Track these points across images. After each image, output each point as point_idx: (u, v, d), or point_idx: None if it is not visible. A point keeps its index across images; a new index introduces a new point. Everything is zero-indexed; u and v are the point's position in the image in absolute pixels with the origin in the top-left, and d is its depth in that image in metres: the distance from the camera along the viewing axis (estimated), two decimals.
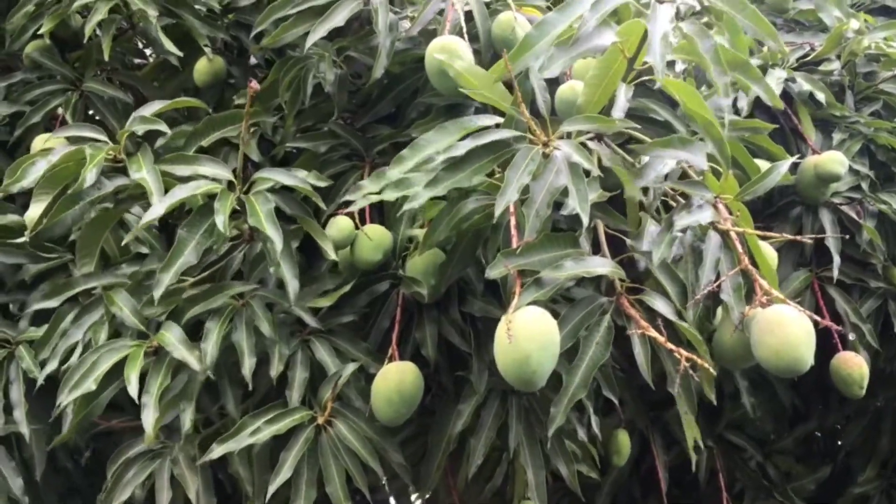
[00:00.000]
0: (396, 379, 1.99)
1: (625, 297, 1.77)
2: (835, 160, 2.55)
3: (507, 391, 2.17)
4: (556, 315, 1.68)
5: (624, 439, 2.63)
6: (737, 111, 2.66)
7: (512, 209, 1.75)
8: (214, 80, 2.74)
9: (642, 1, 1.73)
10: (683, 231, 1.81)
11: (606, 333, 1.72)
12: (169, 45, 2.59)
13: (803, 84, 2.71)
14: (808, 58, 2.90)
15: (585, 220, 1.58)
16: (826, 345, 2.60)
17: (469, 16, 2.19)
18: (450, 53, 1.94)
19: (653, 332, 1.64)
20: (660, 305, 1.76)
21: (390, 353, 2.08)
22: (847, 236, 2.69)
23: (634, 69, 1.87)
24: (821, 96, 2.68)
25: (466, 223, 1.89)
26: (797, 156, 2.06)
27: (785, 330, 1.62)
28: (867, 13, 3.44)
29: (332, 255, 2.06)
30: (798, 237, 2.50)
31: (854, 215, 2.66)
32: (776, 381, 2.88)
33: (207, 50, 2.69)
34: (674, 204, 1.91)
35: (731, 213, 1.91)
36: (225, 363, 2.07)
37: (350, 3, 2.21)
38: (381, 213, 2.33)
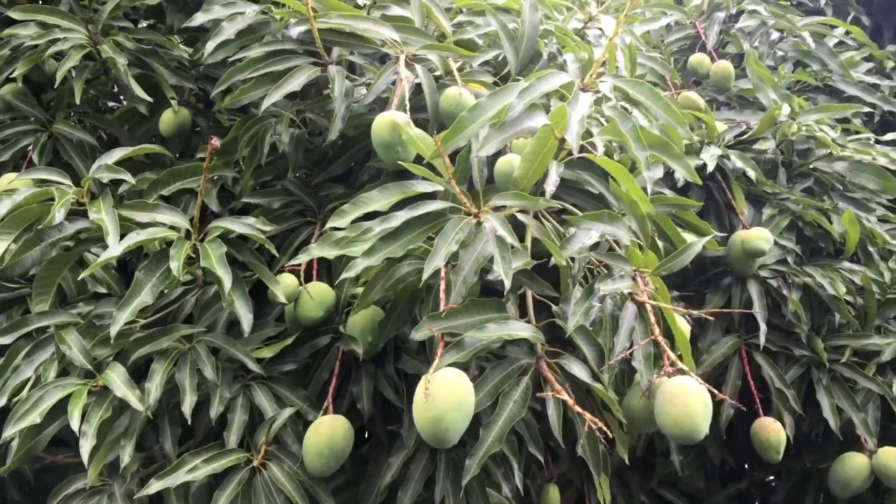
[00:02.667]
0: (328, 433, 2.09)
1: (544, 360, 1.90)
2: (760, 237, 2.72)
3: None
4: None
5: (554, 494, 2.73)
6: (673, 184, 2.83)
7: (443, 274, 1.88)
8: (179, 130, 2.86)
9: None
10: (602, 300, 1.94)
11: (524, 393, 1.84)
12: (139, 91, 2.71)
13: (736, 161, 2.88)
14: (745, 136, 3.07)
15: (508, 284, 1.71)
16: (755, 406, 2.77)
17: (419, 88, 2.35)
18: (397, 127, 2.08)
19: (563, 395, 1.76)
20: (576, 369, 1.88)
21: (325, 405, 2.19)
22: (773, 306, 2.86)
23: (566, 147, 2.02)
24: (752, 174, 2.85)
25: (401, 285, 2.02)
26: (712, 236, 2.19)
27: (685, 401, 1.75)
28: (812, 92, 3.68)
29: (282, 299, 2.18)
30: (725, 310, 2.73)
31: (780, 288, 2.81)
32: (706, 440, 2.99)
33: (173, 102, 2.81)
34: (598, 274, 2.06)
35: (649, 285, 2.06)
36: (167, 405, 2.17)
37: (307, 70, 2.36)
38: (329, 269, 2.46)
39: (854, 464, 2.76)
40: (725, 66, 3.29)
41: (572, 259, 2.06)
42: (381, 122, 2.11)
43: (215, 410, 2.11)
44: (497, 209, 1.92)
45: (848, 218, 2.91)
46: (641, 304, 1.98)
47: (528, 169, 2.00)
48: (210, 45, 2.45)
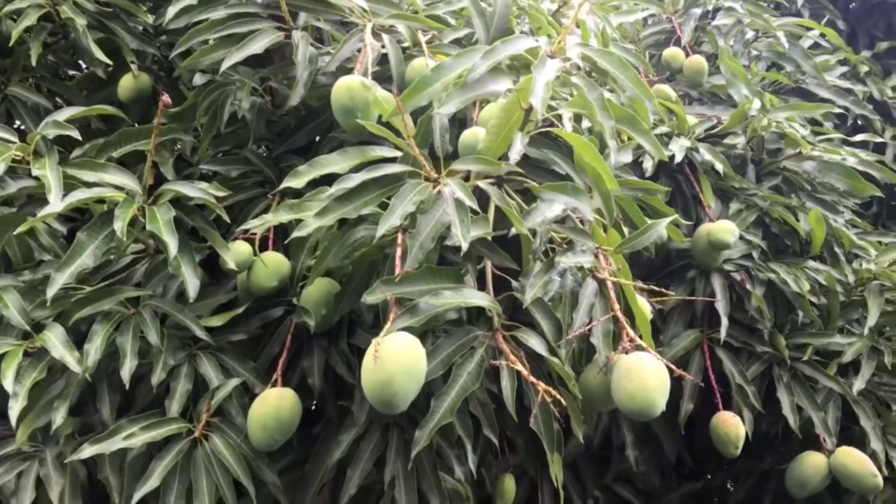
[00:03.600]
0: (274, 405, 2.02)
1: (500, 333, 1.85)
2: (725, 229, 2.68)
3: (389, 423, 2.21)
4: None
5: (509, 484, 2.67)
6: (641, 174, 2.79)
7: (399, 240, 1.82)
8: (139, 96, 2.77)
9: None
10: (562, 273, 1.89)
11: (478, 365, 1.78)
12: (97, 53, 2.63)
13: (705, 154, 2.84)
14: (715, 130, 3.05)
15: (465, 247, 1.65)
16: (714, 404, 2.72)
17: (385, 58, 2.29)
18: (357, 90, 2.02)
19: (518, 366, 1.71)
20: (533, 342, 1.83)
21: (274, 378, 2.11)
22: (737, 302, 2.83)
23: (533, 120, 1.97)
24: (720, 167, 2.81)
25: (357, 253, 1.95)
26: (674, 217, 2.14)
27: (641, 376, 1.70)
28: (785, 94, 3.66)
29: (232, 266, 2.11)
30: (688, 297, 2.69)
31: (743, 282, 2.78)
32: (663, 436, 2.97)
33: (133, 66, 2.73)
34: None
35: (611, 265, 2.01)
36: (107, 370, 2.08)
37: (270, 34, 2.29)
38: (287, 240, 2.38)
39: (812, 463, 2.73)
40: (699, 60, 3.27)
41: (534, 232, 2.02)
42: (341, 86, 2.05)
43: (157, 377, 2.03)
44: (457, 174, 1.86)
45: (814, 216, 2.89)
46: (602, 280, 1.93)
47: (494, 141, 1.95)
48: (172, 10, 2.37)
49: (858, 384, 2.79)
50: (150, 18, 2.84)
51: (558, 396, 1.63)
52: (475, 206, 1.73)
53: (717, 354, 2.81)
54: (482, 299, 1.80)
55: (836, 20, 4.32)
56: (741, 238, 2.86)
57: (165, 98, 1.99)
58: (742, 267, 2.83)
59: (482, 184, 1.87)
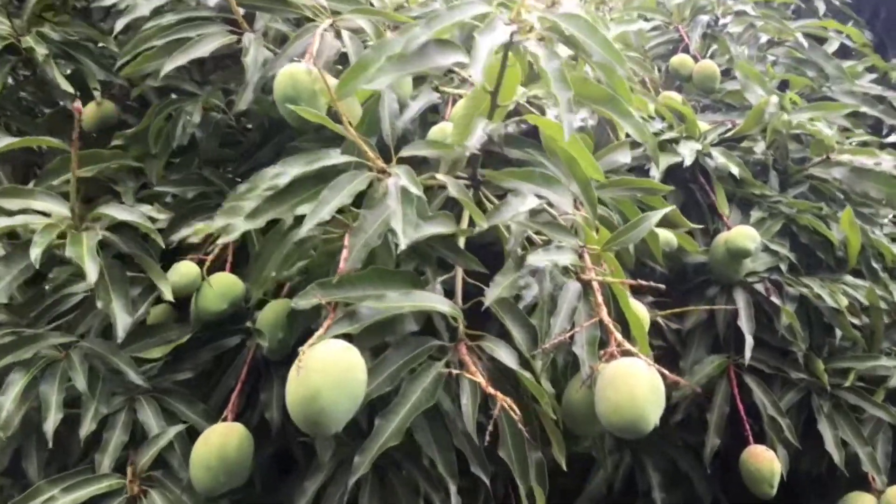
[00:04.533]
0: (218, 442, 1.73)
1: (464, 343, 1.57)
2: (745, 235, 2.39)
3: None
4: None
5: None
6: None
7: (346, 241, 1.57)
8: (103, 124, 2.59)
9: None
10: (538, 275, 1.61)
11: (436, 380, 1.50)
12: (63, 84, 2.47)
13: (719, 158, 2.56)
14: (729, 134, 2.77)
15: (403, 243, 1.40)
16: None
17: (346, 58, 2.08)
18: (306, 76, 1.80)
19: (477, 377, 1.42)
20: (501, 353, 1.54)
21: (224, 415, 1.85)
22: (766, 322, 2.51)
23: (502, 105, 1.74)
24: (736, 171, 2.53)
25: (302, 260, 1.70)
26: (672, 208, 1.87)
27: (629, 383, 1.41)
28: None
29: (168, 297, 1.87)
30: (705, 307, 2.38)
31: (771, 297, 2.45)
32: (694, 476, 2.61)
33: (97, 94, 2.57)
34: None
35: (603, 267, 1.74)
36: (32, 421, 1.83)
37: (220, 38, 2.10)
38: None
39: None
40: (709, 65, 3.01)
41: (508, 230, 1.76)
42: (284, 74, 1.83)
43: (86, 428, 1.76)
44: (406, 161, 1.62)
45: (847, 219, 2.57)
46: (587, 282, 1.66)
47: (462, 134, 1.71)
48: (121, 23, 2.21)
49: None
50: (116, 48, 2.70)
51: (514, 410, 1.33)
52: (422, 196, 1.48)
53: (745, 382, 2.48)
54: (440, 304, 1.53)
55: (862, 29, 4.03)
56: (766, 250, 2.55)
57: (77, 105, 1.79)
58: (769, 281, 2.51)
59: (440, 175, 1.63)
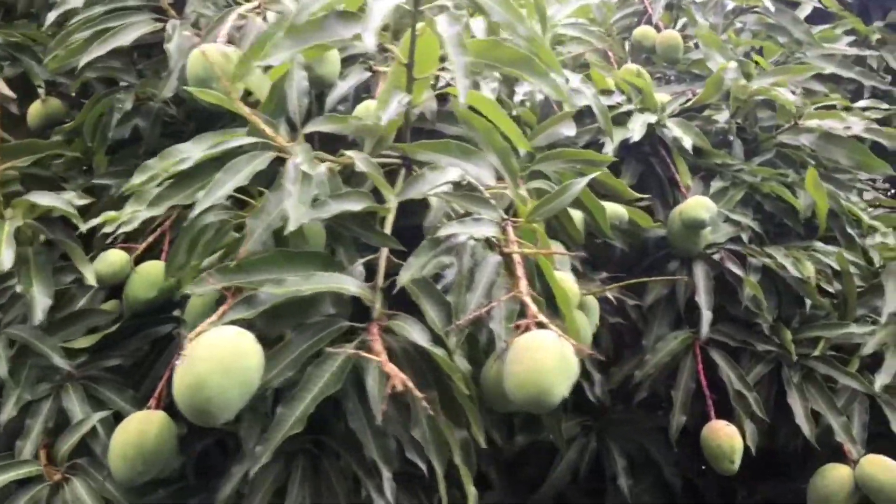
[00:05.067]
0: (137, 430, 1.68)
1: (377, 324, 1.51)
2: (699, 205, 2.31)
3: (296, 451, 1.86)
4: None
5: None
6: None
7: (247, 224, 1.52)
8: (49, 122, 2.57)
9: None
10: (457, 251, 1.55)
11: (344, 364, 1.44)
12: (3, 88, 2.45)
13: (674, 129, 2.48)
14: (689, 104, 2.69)
15: (292, 224, 1.35)
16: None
17: None
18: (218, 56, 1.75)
19: (378, 358, 1.37)
20: (413, 331, 1.49)
21: (149, 403, 1.80)
22: (730, 294, 2.43)
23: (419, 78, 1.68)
24: (688, 142, 2.44)
25: (213, 244, 1.65)
26: (600, 172, 1.80)
27: (534, 356, 1.34)
28: None
29: (92, 282, 1.84)
30: (657, 279, 2.31)
31: (731, 267, 2.37)
32: (662, 460, 2.53)
33: (41, 91, 2.54)
34: None
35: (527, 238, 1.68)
36: None
37: (144, 26, 2.06)
38: None
39: (835, 477, 2.27)
40: (671, 35, 2.93)
41: (427, 206, 1.71)
42: (195, 55, 1.79)
43: (6, 415, 1.75)
44: (326, 139, 1.57)
45: (812, 182, 2.47)
46: (509, 255, 1.60)
47: (380, 110, 1.65)
48: (52, 15, 2.18)
49: (882, 379, 2.33)
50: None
51: (410, 387, 1.27)
52: (314, 173, 1.43)
53: (712, 357, 2.40)
54: (348, 285, 1.48)
55: None
56: (728, 220, 2.48)
57: None
58: (730, 251, 2.43)
59: (350, 152, 1.57)
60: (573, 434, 2.51)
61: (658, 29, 3.02)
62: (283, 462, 1.83)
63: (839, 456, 2.34)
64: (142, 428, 1.68)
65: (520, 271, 1.54)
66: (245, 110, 1.48)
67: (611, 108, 2.58)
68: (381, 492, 1.75)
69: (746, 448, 2.25)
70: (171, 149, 1.60)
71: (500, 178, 1.65)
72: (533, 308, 1.46)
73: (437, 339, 1.49)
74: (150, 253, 2.03)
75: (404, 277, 1.48)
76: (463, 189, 1.70)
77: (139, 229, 2.04)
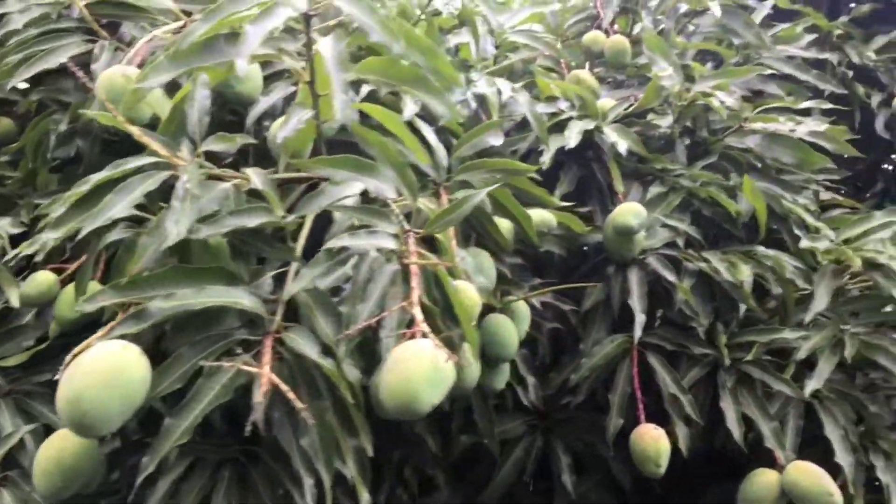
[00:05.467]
0: (57, 447, 1.71)
1: (271, 336, 1.56)
2: (628, 212, 2.34)
3: (223, 460, 1.91)
4: None
5: None
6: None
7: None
8: (2, 140, 2.64)
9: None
10: (343, 261, 1.60)
11: (234, 377, 1.49)
12: None
13: (610, 136, 2.51)
14: (630, 110, 2.72)
15: (170, 241, 1.40)
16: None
17: None
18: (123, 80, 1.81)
19: (260, 370, 1.41)
20: (302, 343, 1.53)
21: None
22: (667, 298, 2.46)
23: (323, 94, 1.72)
24: (623, 147, 2.46)
25: (123, 261, 1.71)
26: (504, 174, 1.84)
27: (405, 365, 1.39)
28: None
29: (15, 303, 1.91)
30: (563, 286, 2.34)
31: (664, 273, 2.40)
32: (610, 459, 2.55)
33: None
34: None
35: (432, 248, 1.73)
36: None
37: (75, 48, 2.11)
38: None
39: (763, 482, 2.29)
40: (619, 40, 2.95)
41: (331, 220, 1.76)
42: (102, 78, 1.84)
43: None
44: (245, 153, 1.62)
45: (748, 189, 2.50)
46: (406, 266, 1.64)
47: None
48: None
49: (813, 384, 2.36)
50: None
51: (291, 397, 1.32)
52: (196, 191, 1.48)
53: (649, 361, 2.43)
54: (242, 298, 1.53)
55: None
56: (664, 225, 2.51)
57: None
58: (664, 256, 2.46)
59: (247, 169, 1.62)
60: (520, 433, 2.55)
61: (608, 34, 3.05)
62: (209, 472, 1.88)
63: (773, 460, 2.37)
64: (61, 444, 1.72)
65: (414, 282, 1.58)
66: (135, 131, 1.53)
67: (553, 115, 2.64)
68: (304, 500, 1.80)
69: (704, 448, 2.28)
70: (92, 176, 1.64)
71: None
72: (419, 318, 1.50)
73: (329, 350, 1.53)
74: None
75: (293, 289, 1.53)
76: (372, 202, 1.75)
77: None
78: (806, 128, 2.71)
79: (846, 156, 2.96)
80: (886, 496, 2.42)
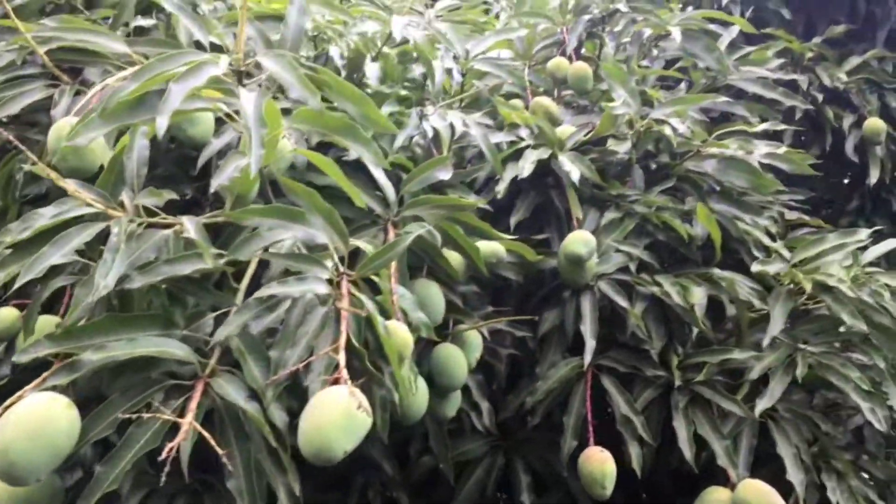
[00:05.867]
0: None
1: (203, 381, 1.64)
2: (577, 240, 2.40)
3: (177, 491, 1.99)
4: None
5: None
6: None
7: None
8: None
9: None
10: (273, 307, 1.68)
11: (162, 425, 1.56)
12: None
13: (564, 164, 2.57)
14: (587, 137, 2.77)
15: (100, 293, 1.48)
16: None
17: None
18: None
19: (180, 421, 1.49)
20: (232, 389, 1.61)
21: None
22: (620, 322, 2.51)
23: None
24: (576, 175, 2.52)
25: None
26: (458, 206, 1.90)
27: (319, 412, 1.46)
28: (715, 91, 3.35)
29: None
30: (516, 318, 2.40)
31: (615, 298, 2.46)
32: (570, 479, 2.61)
33: None
34: None
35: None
36: None
37: (36, 93, 2.20)
38: None
39: (715, 500, 2.34)
40: (581, 66, 3.01)
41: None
42: (54, 128, 1.92)
43: None
44: (144, 209, 1.70)
45: (702, 214, 2.56)
46: (338, 310, 1.71)
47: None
48: None
49: (764, 403, 2.41)
50: None
51: (212, 443, 1.39)
52: (163, 238, 1.57)
53: (602, 383, 2.49)
54: (174, 349, 1.60)
55: (780, 10, 3.96)
56: (618, 251, 2.56)
57: None
58: (617, 281, 2.52)
59: (183, 217, 1.70)
60: (480, 454, 2.62)
61: (571, 60, 3.11)
62: (165, 502, 1.96)
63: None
64: None
65: (343, 326, 1.66)
66: (69, 186, 1.61)
67: (513, 143, 2.70)
68: None
69: (665, 467, 2.34)
70: (32, 212, 1.72)
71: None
72: (342, 364, 1.57)
73: (256, 394, 1.61)
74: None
75: (221, 334, 1.60)
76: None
77: None
78: (762, 151, 2.76)
79: (821, 175, 3.01)
80: None
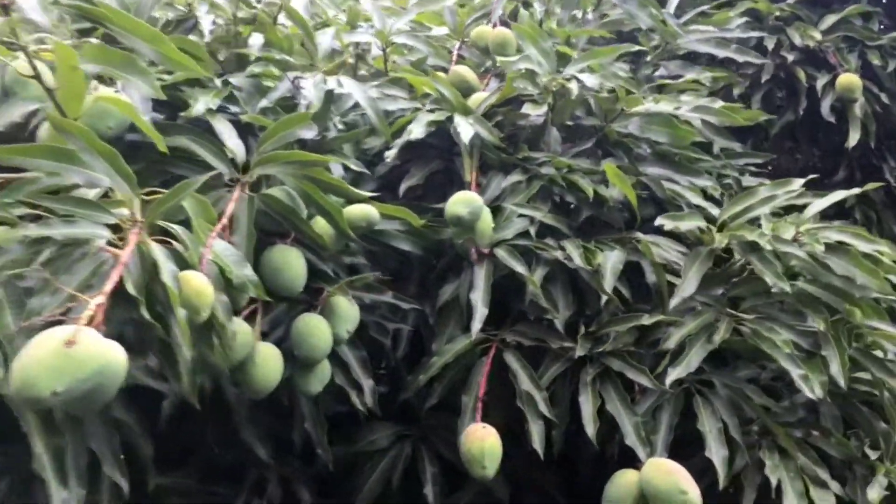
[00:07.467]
0: None
1: None
2: (458, 201, 2.21)
3: None
4: None
5: None
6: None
7: None
8: None
9: None
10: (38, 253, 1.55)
11: None
12: None
13: (460, 124, 2.39)
14: (494, 101, 2.59)
15: None
16: None
17: None
18: None
19: None
20: None
21: None
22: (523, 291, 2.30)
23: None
24: (466, 136, 2.33)
25: None
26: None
27: (28, 351, 1.31)
28: (673, 58, 3.16)
29: None
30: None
31: (514, 264, 2.25)
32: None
33: None
34: None
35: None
36: None
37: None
38: None
39: (624, 482, 2.09)
40: (501, 32, 2.84)
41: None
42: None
43: None
44: None
45: (610, 172, 2.34)
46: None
47: None
48: None
49: (676, 373, 2.15)
50: None
51: None
52: None
53: (505, 358, 2.28)
54: None
55: None
56: (521, 215, 2.36)
57: None
58: (515, 247, 2.31)
59: None
60: (389, 443, 2.43)
61: (495, 27, 2.94)
62: None
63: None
64: None
65: (114, 273, 1.52)
66: None
67: (416, 109, 2.54)
68: None
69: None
70: None
71: None
72: (90, 309, 1.43)
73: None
74: None
75: None
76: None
77: None
78: (691, 105, 2.54)
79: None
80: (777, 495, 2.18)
